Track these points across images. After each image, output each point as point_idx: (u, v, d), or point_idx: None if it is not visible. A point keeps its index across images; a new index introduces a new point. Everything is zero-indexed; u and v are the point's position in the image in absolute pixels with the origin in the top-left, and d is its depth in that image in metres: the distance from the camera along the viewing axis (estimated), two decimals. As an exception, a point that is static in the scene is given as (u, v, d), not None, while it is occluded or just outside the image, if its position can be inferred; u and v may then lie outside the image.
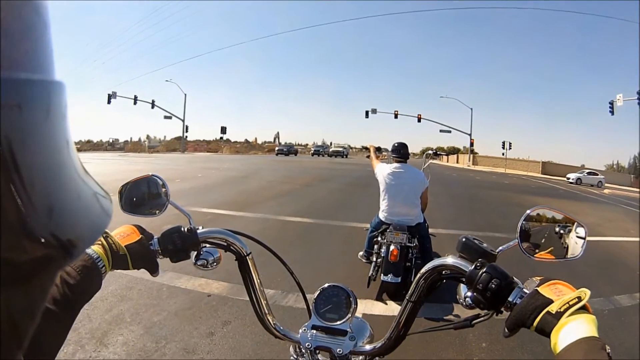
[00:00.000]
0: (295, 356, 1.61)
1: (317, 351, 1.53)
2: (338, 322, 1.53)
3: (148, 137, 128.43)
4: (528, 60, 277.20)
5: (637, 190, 49.90)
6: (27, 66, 0.35)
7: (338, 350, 1.48)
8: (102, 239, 1.31)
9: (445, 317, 5.44)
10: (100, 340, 4.58)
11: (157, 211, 1.63)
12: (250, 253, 1.60)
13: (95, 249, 1.26)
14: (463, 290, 1.31)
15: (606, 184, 53.81)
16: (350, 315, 1.54)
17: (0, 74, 0.31)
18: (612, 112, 43.91)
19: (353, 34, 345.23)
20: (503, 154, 68.41)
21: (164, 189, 1.64)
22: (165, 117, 72.02)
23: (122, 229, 1.43)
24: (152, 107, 69.95)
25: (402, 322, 1.45)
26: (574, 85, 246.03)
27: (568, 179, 55.01)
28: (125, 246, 1.36)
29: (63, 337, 1.06)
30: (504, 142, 65.71)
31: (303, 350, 1.56)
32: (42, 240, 0.34)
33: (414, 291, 1.42)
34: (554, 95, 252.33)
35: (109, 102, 65.07)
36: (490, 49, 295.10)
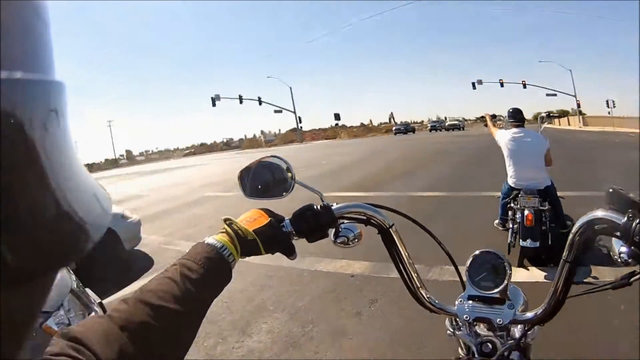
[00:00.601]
0: (451, 330, 1.55)
1: (475, 323, 1.47)
2: (495, 290, 1.45)
3: (263, 132, 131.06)
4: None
5: None
6: (27, 66, 0.34)
7: (498, 320, 1.42)
8: (225, 226, 1.27)
9: (585, 280, 5.14)
10: (243, 331, 4.68)
11: (283, 192, 1.56)
12: (393, 224, 1.51)
13: (218, 238, 1.22)
14: (617, 246, 1.22)
15: None
16: (506, 281, 1.45)
17: (0, 74, 0.31)
18: None
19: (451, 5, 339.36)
20: (609, 113, 65.14)
21: (287, 170, 1.57)
22: (276, 111, 73.38)
23: (248, 214, 1.38)
24: (260, 104, 70.93)
25: (560, 285, 1.37)
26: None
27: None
28: (253, 230, 1.29)
29: (191, 336, 1.04)
30: (607, 101, 63.24)
31: (460, 323, 1.52)
32: (42, 240, 0.34)
33: (570, 250, 1.32)
34: None
35: (213, 104, 66.84)
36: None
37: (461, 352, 1.53)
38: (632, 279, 1.20)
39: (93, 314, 3.34)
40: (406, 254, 1.54)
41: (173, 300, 1.00)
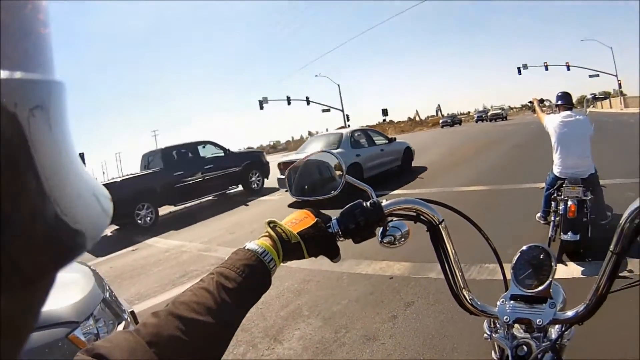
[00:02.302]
0: (488, 332, 1.48)
1: (514, 324, 1.40)
2: (539, 288, 1.38)
3: (310, 133, 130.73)
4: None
5: None
6: (27, 66, 0.34)
7: (538, 320, 1.34)
8: (269, 229, 1.21)
9: (620, 275, 4.92)
10: (275, 338, 4.68)
11: (332, 191, 1.53)
12: (443, 220, 1.44)
13: (260, 243, 1.16)
14: None
15: None
16: (551, 278, 1.38)
17: (0, 74, 0.30)
18: None
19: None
20: (648, 91, 62.96)
21: (336, 167, 1.55)
22: (323, 111, 72.96)
23: (294, 215, 1.31)
24: (308, 104, 69.79)
25: (605, 279, 1.27)
26: None
27: None
28: (298, 233, 1.22)
29: (223, 348, 0.98)
30: (647, 79, 61.94)
31: (498, 325, 1.45)
32: (42, 241, 0.33)
33: (618, 241, 1.23)
34: None
35: (261, 107, 66.71)
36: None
37: (494, 356, 1.48)
38: None
39: (123, 323, 3.40)
40: (453, 251, 1.48)
41: (207, 312, 0.97)
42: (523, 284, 1.39)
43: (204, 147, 18.31)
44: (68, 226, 0.36)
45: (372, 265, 6.41)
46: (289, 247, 1.19)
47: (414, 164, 18.35)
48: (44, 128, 0.35)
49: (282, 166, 14.51)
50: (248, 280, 1.06)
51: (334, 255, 1.29)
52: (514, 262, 1.43)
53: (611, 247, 1.24)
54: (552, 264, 1.39)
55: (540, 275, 1.39)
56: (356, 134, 16.22)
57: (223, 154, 18.53)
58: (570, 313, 1.35)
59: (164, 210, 16.46)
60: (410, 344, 4.28)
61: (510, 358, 1.37)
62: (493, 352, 1.48)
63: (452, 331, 4.33)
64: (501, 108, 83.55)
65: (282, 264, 1.18)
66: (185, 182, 16.40)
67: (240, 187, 18.99)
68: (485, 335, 1.47)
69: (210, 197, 18.29)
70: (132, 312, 3.82)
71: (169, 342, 0.86)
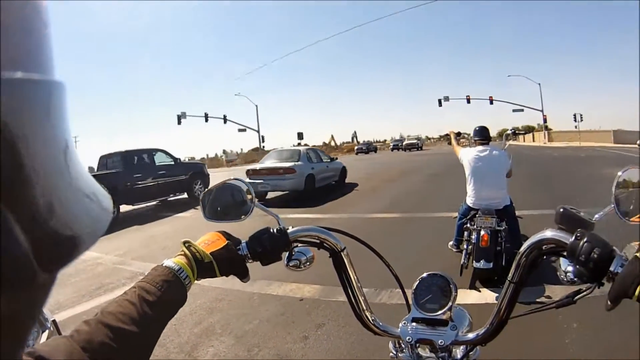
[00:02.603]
0: (394, 352, 1.54)
1: (417, 345, 1.46)
2: (439, 312, 1.45)
3: (225, 151, 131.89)
4: (587, 27, 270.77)
5: None
6: (27, 66, 0.34)
7: (440, 341, 1.41)
8: (184, 248, 1.29)
9: (538, 300, 5.29)
10: (189, 354, 4.68)
11: (242, 215, 1.58)
12: (345, 248, 1.53)
13: (176, 261, 1.23)
14: (564, 265, 1.27)
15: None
16: (451, 303, 1.46)
17: (0, 74, 0.30)
18: None
19: (418, 23, 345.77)
20: (575, 127, 66.90)
21: (248, 193, 1.59)
22: (239, 130, 72.61)
23: (207, 237, 1.40)
24: (225, 122, 69.72)
25: (504, 306, 1.37)
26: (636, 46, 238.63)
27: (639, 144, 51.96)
28: (210, 253, 1.32)
29: (145, 356, 1.03)
30: (575, 115, 64.63)
31: (403, 345, 1.51)
32: (43, 240, 0.33)
33: (515, 271, 1.34)
34: (613, 61, 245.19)
35: (179, 122, 66.31)
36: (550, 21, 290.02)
37: None
38: (577, 297, 1.21)
39: (47, 332, 3.35)
40: (355, 277, 1.55)
41: (131, 322, 1.01)
42: (424, 308, 1.47)
43: (155, 154, 19.58)
44: (68, 226, 0.37)
45: (283, 286, 6.50)
46: (203, 266, 1.29)
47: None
48: (44, 128, 0.36)
49: (250, 172, 17.54)
50: (166, 294, 1.13)
51: (243, 275, 1.39)
52: (414, 287, 1.52)
53: (509, 277, 1.35)
54: (452, 290, 1.48)
55: (441, 300, 1.47)
56: (310, 152, 19.27)
57: (173, 163, 20.07)
58: (471, 335, 1.44)
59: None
60: None
61: None
62: None
63: (362, 352, 4.41)
64: (417, 138, 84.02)
65: (196, 281, 1.27)
66: (142, 184, 17.67)
67: (185, 195, 20.20)
68: (391, 354, 1.55)
69: (155, 202, 19.34)
70: (54, 321, 3.76)
71: (100, 348, 0.91)
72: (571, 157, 33.61)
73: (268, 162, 18.33)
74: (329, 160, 20.62)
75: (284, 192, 18.18)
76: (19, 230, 0.31)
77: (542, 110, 73.81)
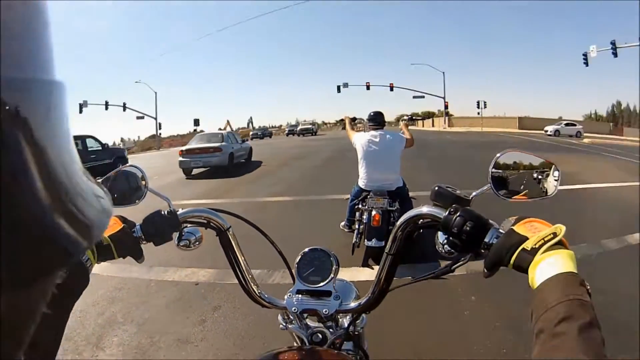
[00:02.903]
0: (284, 324, 1.64)
1: (305, 315, 1.56)
2: (322, 284, 1.56)
3: (122, 139, 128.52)
4: (498, 17, 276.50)
5: (616, 137, 51.48)
6: (27, 66, 0.35)
7: (324, 310, 1.51)
8: None
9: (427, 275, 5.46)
10: (96, 345, 4.62)
11: (137, 200, 1.64)
12: (230, 227, 1.62)
13: None
14: (441, 238, 1.33)
15: (585, 134, 53.92)
16: (333, 275, 1.58)
17: (0, 74, 0.31)
18: (586, 64, 43.92)
19: (320, 10, 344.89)
20: (479, 114, 68.58)
21: (142, 178, 1.67)
22: (138, 118, 70.38)
23: None
24: (124, 110, 67.74)
25: (384, 276, 1.48)
26: (546, 40, 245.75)
27: (546, 131, 55.33)
28: (108, 236, 1.39)
29: (58, 338, 1.07)
30: (478, 102, 66.08)
31: (291, 317, 1.59)
32: (43, 241, 0.34)
33: (392, 244, 1.43)
34: (526, 52, 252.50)
35: (80, 111, 63.93)
36: (456, 10, 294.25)
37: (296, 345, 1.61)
38: (454, 267, 1.31)
39: None
40: (241, 254, 1.65)
41: None
42: (307, 280, 1.58)
43: (86, 140, 22.98)
44: (68, 226, 0.37)
45: (178, 272, 6.56)
46: (101, 248, 1.36)
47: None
48: (44, 128, 0.36)
49: (184, 152, 20.93)
50: (71, 275, 1.15)
51: (138, 256, 1.47)
52: (297, 261, 1.62)
53: (387, 249, 1.45)
54: (333, 263, 1.60)
55: (322, 272, 1.59)
56: (230, 135, 24.00)
57: (101, 148, 24.09)
58: (353, 304, 1.56)
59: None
60: (222, 345, 4.44)
61: (307, 343, 1.53)
62: (295, 343, 1.63)
63: (260, 330, 4.56)
64: (311, 123, 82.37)
65: (97, 263, 1.33)
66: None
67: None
68: (281, 326, 1.64)
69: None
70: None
71: None
72: (471, 142, 34.57)
73: (197, 143, 21.80)
74: (241, 142, 25.20)
75: (207, 169, 21.32)
76: (19, 230, 0.32)
77: (443, 98, 74.86)
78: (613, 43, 39.56)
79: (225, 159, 21.11)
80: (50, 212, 0.35)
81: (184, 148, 21.69)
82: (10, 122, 0.31)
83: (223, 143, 21.55)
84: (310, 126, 75.62)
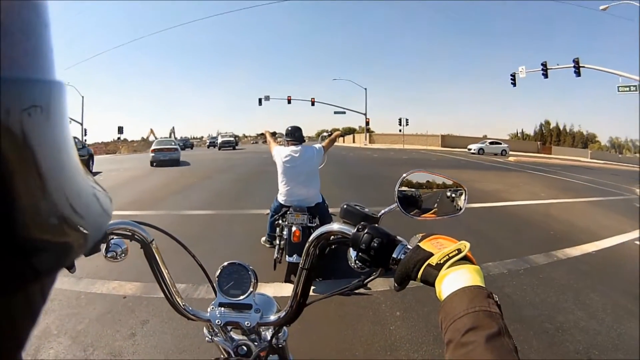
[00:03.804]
0: (209, 336, 1.69)
1: (229, 328, 1.63)
2: (242, 297, 1.62)
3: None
4: (423, 35, 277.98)
5: (544, 155, 53.35)
6: (27, 66, 0.35)
7: (246, 323, 1.57)
8: None
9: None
10: (34, 357, 4.60)
11: None
12: (153, 240, 1.65)
13: None
14: (352, 254, 1.36)
15: (511, 152, 54.85)
16: (252, 289, 1.64)
17: (1, 74, 0.32)
18: (514, 84, 44.22)
19: (244, 23, 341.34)
20: (400, 131, 68.77)
21: None
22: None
23: None
24: None
25: (300, 290, 1.52)
26: (472, 59, 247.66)
27: (470, 149, 55.79)
28: None
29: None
30: (400, 119, 66.94)
31: (216, 330, 1.66)
32: (43, 241, 0.35)
33: (305, 259, 1.46)
34: (452, 70, 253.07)
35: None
36: (380, 27, 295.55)
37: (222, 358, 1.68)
38: (366, 281, 1.35)
39: None
40: (165, 267, 1.68)
41: None
42: (228, 293, 1.63)
43: None
44: (68, 226, 0.38)
45: (106, 284, 6.60)
46: None
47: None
48: (44, 128, 0.36)
49: (156, 150, 32.68)
50: None
51: (70, 266, 1.42)
52: (217, 275, 1.66)
53: (301, 264, 1.49)
54: (252, 277, 1.65)
55: (242, 286, 1.64)
56: (177, 141, 32.11)
57: (82, 146, 28.21)
58: (273, 317, 1.61)
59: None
60: (153, 358, 4.52)
61: (232, 355, 1.62)
62: (222, 355, 1.68)
63: (189, 344, 4.68)
64: (232, 135, 77.65)
65: None
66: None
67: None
68: (207, 338, 1.69)
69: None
70: None
71: None
72: (391, 159, 34.77)
73: (160, 145, 34.20)
74: (177, 148, 35.02)
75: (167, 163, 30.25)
76: (19, 230, 0.32)
77: (365, 114, 74.62)
78: (544, 64, 40.13)
79: (179, 156, 33.43)
80: (49, 212, 0.36)
81: (154, 147, 33.33)
82: (10, 122, 0.32)
83: (176, 145, 35.01)
84: (230, 138, 71.64)
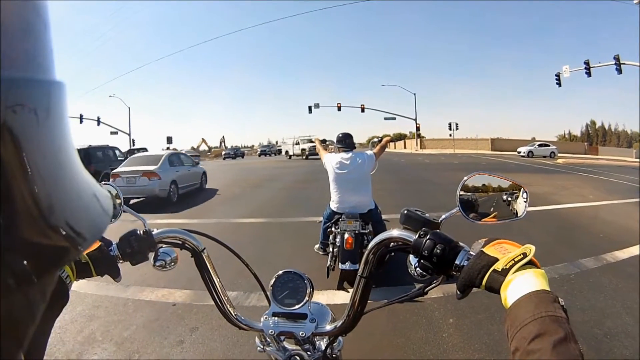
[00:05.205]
0: (261, 346, 1.64)
1: (282, 337, 1.58)
2: (297, 307, 1.57)
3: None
4: (468, 39, 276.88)
5: (592, 156, 51.41)
6: (27, 66, 0.36)
7: (301, 333, 1.52)
8: None
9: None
10: None
11: (112, 218, 1.56)
12: (205, 249, 1.62)
13: None
14: (412, 261, 1.33)
15: (559, 154, 53.88)
16: (307, 298, 1.59)
17: (1, 74, 0.32)
18: (559, 84, 43.50)
19: (288, 32, 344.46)
20: (450, 135, 68.50)
21: (117, 197, 1.64)
22: (112, 133, 68.42)
23: None
24: (98, 124, 65.49)
25: (357, 299, 1.48)
26: (518, 61, 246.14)
27: (519, 152, 55.28)
28: (86, 254, 1.38)
29: (41, 354, 0.98)
30: (450, 123, 66.58)
31: (268, 339, 1.60)
32: (42, 241, 0.35)
33: (364, 267, 1.43)
34: (498, 73, 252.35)
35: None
36: (428, 32, 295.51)
37: None
38: (427, 289, 1.31)
39: None
40: (216, 276, 1.65)
41: None
42: (282, 303, 1.58)
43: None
44: (67, 226, 0.38)
45: (155, 292, 6.55)
46: (80, 266, 1.36)
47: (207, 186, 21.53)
48: (44, 128, 0.37)
49: (113, 176, 16.60)
50: (51, 293, 1.18)
51: (115, 275, 1.48)
52: (271, 284, 1.62)
53: (359, 272, 1.45)
54: (307, 286, 1.60)
55: (297, 295, 1.59)
56: (173, 156, 18.73)
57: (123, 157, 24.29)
58: (329, 327, 1.56)
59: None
60: None
61: None
62: None
63: (238, 353, 4.57)
64: (267, 145, 79.43)
65: (75, 280, 1.33)
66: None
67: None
68: (258, 348, 1.65)
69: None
70: None
71: None
72: (443, 164, 34.63)
73: (124, 168, 17.36)
74: (191, 165, 20.43)
75: (140, 199, 17.18)
76: (19, 230, 0.33)
77: (415, 119, 73.89)
78: (587, 63, 39.54)
79: (166, 187, 16.63)
80: (49, 212, 0.36)
81: (115, 171, 17.37)
82: (10, 122, 0.32)
83: (159, 167, 16.75)
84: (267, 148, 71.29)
